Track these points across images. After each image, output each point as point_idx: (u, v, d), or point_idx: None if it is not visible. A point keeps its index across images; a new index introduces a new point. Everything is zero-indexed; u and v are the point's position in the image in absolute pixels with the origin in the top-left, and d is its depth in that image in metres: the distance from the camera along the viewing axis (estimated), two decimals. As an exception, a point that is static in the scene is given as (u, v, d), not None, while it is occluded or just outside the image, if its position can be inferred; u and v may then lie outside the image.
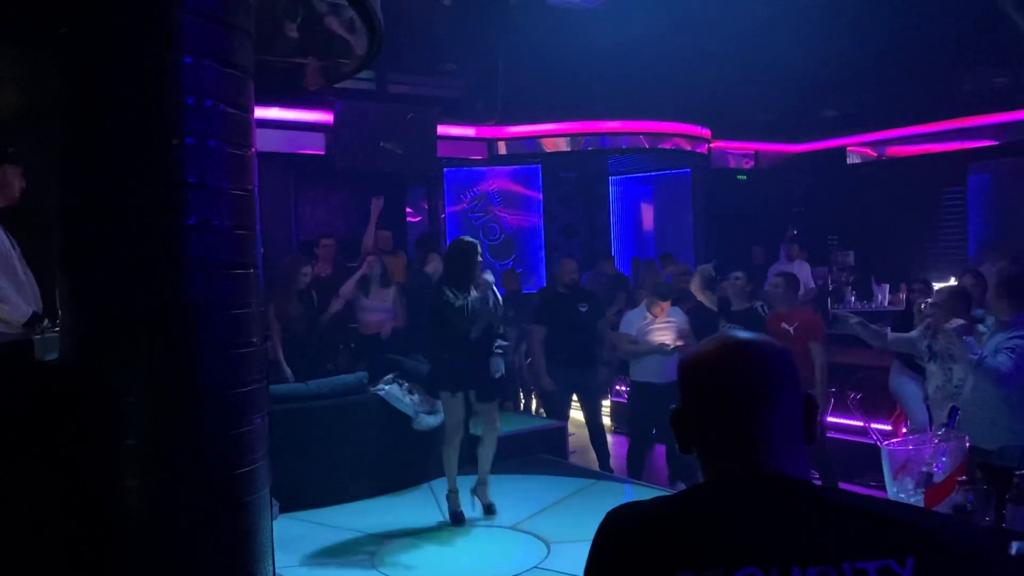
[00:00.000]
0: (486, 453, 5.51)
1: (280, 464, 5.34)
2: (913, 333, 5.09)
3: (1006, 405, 3.94)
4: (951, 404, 3.99)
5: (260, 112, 9.24)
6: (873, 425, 6.61)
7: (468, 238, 5.60)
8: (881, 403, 6.91)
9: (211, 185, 2.63)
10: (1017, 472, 2.57)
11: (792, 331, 5.81)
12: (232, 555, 2.66)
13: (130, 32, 2.53)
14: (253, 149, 2.85)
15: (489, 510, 5.50)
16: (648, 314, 6.60)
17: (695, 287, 6.73)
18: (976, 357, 3.95)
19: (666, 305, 6.60)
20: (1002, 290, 4.08)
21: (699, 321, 6.53)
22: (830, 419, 7.18)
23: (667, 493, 1.13)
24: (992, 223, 10.56)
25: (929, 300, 5.29)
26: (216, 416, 2.63)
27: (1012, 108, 10.04)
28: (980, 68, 10.56)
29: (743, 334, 1.38)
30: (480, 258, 5.41)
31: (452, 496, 5.46)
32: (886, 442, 2.94)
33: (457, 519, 5.39)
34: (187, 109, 2.57)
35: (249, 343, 2.75)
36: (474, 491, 5.55)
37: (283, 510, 5.52)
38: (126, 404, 2.52)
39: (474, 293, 5.27)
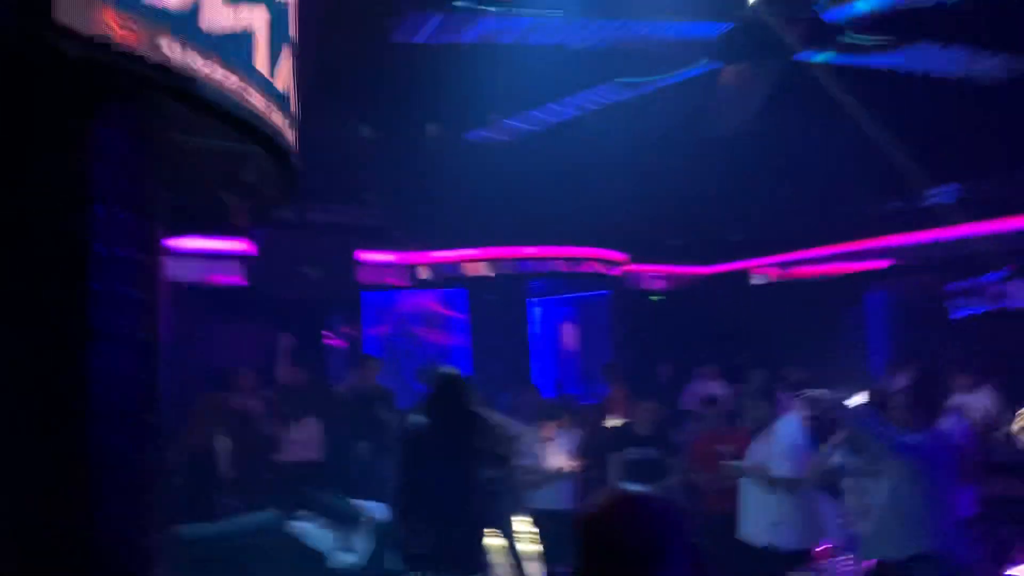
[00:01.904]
0: None
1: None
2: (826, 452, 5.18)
3: (922, 505, 3.97)
4: (867, 520, 4.09)
5: (181, 242, 9.06)
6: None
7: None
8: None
9: (118, 333, 2.61)
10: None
11: (726, 452, 5.82)
12: None
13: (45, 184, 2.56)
14: (161, 295, 2.86)
15: None
16: (540, 438, 6.64)
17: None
18: (887, 439, 4.00)
19: (554, 425, 6.65)
20: (915, 397, 4.21)
21: (601, 443, 6.68)
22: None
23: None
24: (892, 340, 11.07)
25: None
26: (118, 569, 2.53)
27: (907, 230, 10.73)
28: (871, 195, 11.31)
29: (631, 489, 1.45)
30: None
31: None
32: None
33: None
34: (97, 257, 2.58)
35: (153, 492, 2.68)
36: None
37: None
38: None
39: None
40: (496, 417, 5.00)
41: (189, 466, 6.32)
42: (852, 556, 2.94)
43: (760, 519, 5.05)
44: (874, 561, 4.06)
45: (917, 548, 3.86)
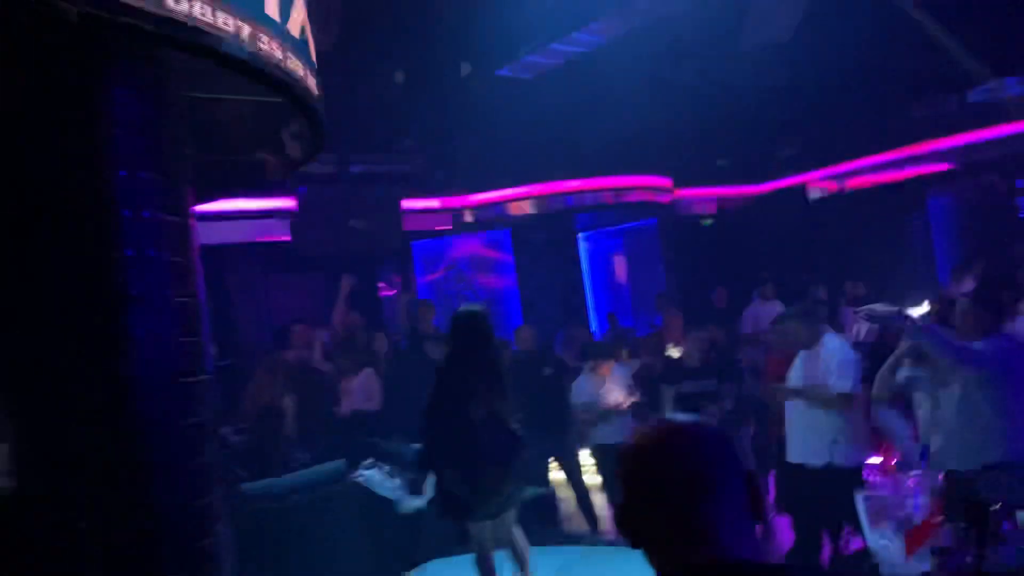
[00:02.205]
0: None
1: (266, 565, 5.25)
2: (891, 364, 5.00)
3: (992, 412, 3.83)
4: (938, 434, 3.95)
5: (224, 204, 9.20)
6: (867, 461, 6.57)
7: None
8: (866, 439, 6.85)
9: (155, 295, 2.60)
10: (993, 507, 2.53)
11: None
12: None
13: (65, 149, 2.53)
14: (194, 255, 2.83)
15: None
16: (595, 376, 6.61)
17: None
18: (951, 350, 3.85)
19: (610, 364, 6.62)
20: (978, 303, 4.03)
21: (655, 376, 6.60)
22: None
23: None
24: (959, 245, 10.67)
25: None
26: (175, 531, 2.55)
27: (962, 131, 10.25)
28: (928, 95, 10.80)
29: (680, 420, 1.36)
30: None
31: None
32: (861, 494, 2.89)
33: None
34: (124, 221, 2.56)
35: (204, 453, 2.69)
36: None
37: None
38: (80, 530, 2.44)
39: None
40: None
41: (257, 424, 6.46)
42: (922, 470, 2.84)
43: (815, 439, 4.94)
44: (944, 473, 3.93)
45: (988, 458, 3.71)
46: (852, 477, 4.70)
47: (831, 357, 5.00)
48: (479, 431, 4.36)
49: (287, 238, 9.60)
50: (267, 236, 9.54)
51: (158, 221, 2.63)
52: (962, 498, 2.74)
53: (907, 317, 4.00)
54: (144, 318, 2.55)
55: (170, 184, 2.72)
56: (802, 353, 5.19)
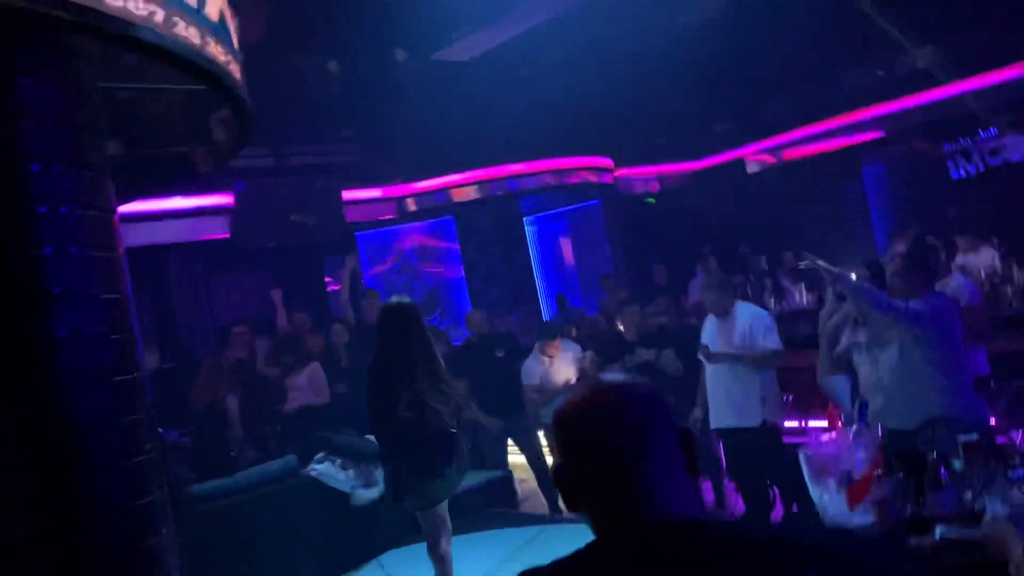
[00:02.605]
0: None
1: (220, 563, 5.16)
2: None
3: (932, 368, 3.93)
4: (878, 394, 4.03)
5: (162, 203, 9.03)
6: (810, 423, 6.72)
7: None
8: (813, 401, 7.00)
9: (79, 293, 2.51)
10: (931, 457, 2.60)
11: None
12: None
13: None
14: (120, 251, 2.74)
15: None
16: (543, 357, 6.65)
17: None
18: (886, 308, 3.94)
19: (557, 343, 6.66)
20: (904, 266, 4.11)
21: (606, 348, 6.68)
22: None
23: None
24: (895, 211, 10.92)
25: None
26: (115, 533, 2.48)
27: (891, 99, 10.48)
28: (859, 64, 11.01)
29: (612, 379, 1.36)
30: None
31: None
32: (801, 449, 2.94)
33: None
34: (41, 218, 2.46)
35: (142, 452, 2.62)
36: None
37: (228, 611, 5.29)
38: (12, 534, 2.36)
39: None
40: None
41: (202, 424, 6.36)
42: (862, 426, 2.90)
43: (747, 400, 5.11)
44: (885, 431, 4.01)
45: (926, 414, 3.80)
46: (781, 434, 4.93)
47: (748, 322, 5.19)
48: (408, 422, 4.39)
49: (226, 235, 9.41)
50: (206, 234, 9.35)
51: (78, 217, 2.54)
52: (901, 452, 2.80)
53: (844, 275, 4.08)
54: (68, 316, 2.46)
55: (89, 178, 2.62)
56: (716, 321, 5.36)
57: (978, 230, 8.61)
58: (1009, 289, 7.60)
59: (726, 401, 5.30)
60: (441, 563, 4.63)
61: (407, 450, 4.42)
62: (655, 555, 1.16)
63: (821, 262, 4.07)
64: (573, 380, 6.47)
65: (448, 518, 4.67)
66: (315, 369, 7.01)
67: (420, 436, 4.39)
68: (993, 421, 4.61)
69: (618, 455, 1.24)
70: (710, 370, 5.40)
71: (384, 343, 4.57)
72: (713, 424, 5.45)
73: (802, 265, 4.23)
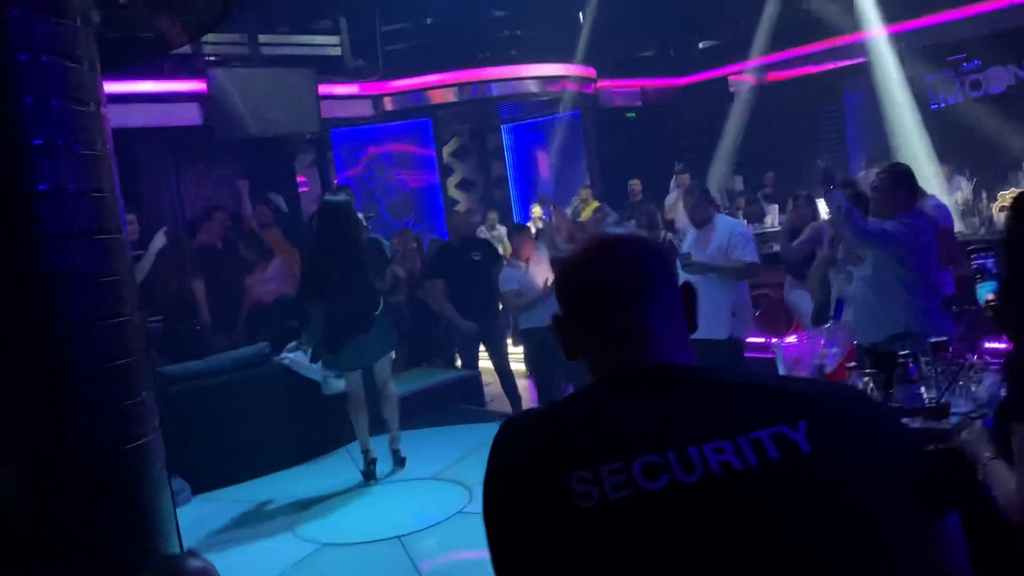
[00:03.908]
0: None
1: (189, 445, 5.22)
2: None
3: (903, 287, 4.02)
4: (848, 308, 4.12)
5: (132, 86, 8.76)
6: (774, 340, 6.86)
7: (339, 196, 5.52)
8: (779, 319, 7.14)
9: (61, 146, 2.45)
10: (901, 354, 2.67)
11: None
12: (131, 535, 2.55)
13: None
14: (103, 107, 2.66)
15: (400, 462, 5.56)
16: (520, 263, 6.66)
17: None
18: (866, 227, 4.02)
19: (531, 245, 6.74)
20: (888, 183, 4.17)
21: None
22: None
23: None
24: (873, 139, 10.94)
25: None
26: (94, 393, 2.48)
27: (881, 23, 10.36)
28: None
29: (616, 231, 1.36)
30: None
31: (365, 455, 5.44)
32: (777, 339, 3.01)
33: (368, 476, 5.37)
34: (22, 66, 2.37)
35: (121, 313, 2.60)
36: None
37: (197, 491, 5.38)
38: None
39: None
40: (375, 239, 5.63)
41: (171, 311, 6.31)
42: (835, 322, 2.97)
43: (716, 313, 5.18)
44: (855, 344, 4.12)
45: (895, 330, 3.90)
46: (743, 350, 5.05)
47: (727, 233, 5.23)
48: (339, 306, 5.14)
49: (198, 123, 9.17)
50: (177, 121, 9.09)
51: (59, 67, 2.45)
52: (872, 349, 2.87)
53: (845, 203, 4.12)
54: (49, 170, 2.40)
55: (71, 28, 2.52)
56: (695, 232, 5.40)
57: (953, 160, 8.71)
58: (977, 220, 7.74)
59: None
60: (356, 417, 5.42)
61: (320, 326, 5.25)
62: (652, 393, 1.17)
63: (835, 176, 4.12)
64: (547, 284, 6.48)
65: (358, 387, 5.42)
66: (280, 261, 6.97)
67: (351, 314, 5.16)
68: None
69: (621, 301, 1.24)
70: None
71: (324, 235, 5.22)
72: None
73: (820, 164, 4.27)
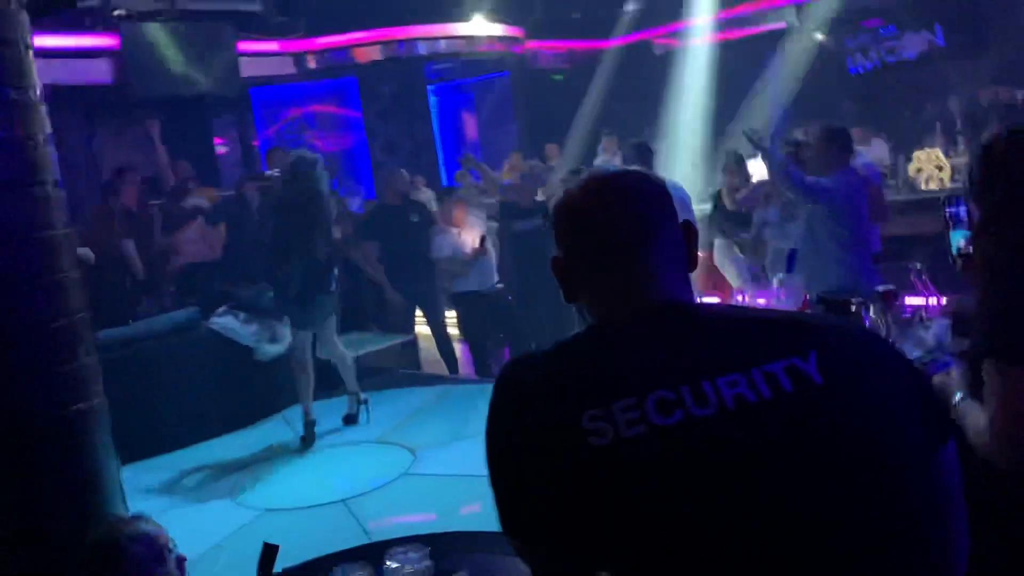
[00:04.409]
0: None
1: (120, 414, 5.01)
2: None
3: (836, 244, 4.13)
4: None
5: (38, 40, 8.39)
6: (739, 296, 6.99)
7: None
8: (706, 282, 7.25)
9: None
10: (853, 300, 2.75)
11: None
12: (78, 498, 2.43)
13: None
14: (30, 47, 2.48)
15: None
16: (451, 228, 6.59)
17: None
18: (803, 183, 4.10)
19: (462, 210, 6.68)
20: (823, 142, 4.27)
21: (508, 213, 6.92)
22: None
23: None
24: (794, 103, 11.17)
25: None
26: (34, 353, 2.35)
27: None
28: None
29: (612, 168, 1.33)
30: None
31: (305, 419, 5.39)
32: (731, 296, 3.06)
33: (309, 440, 5.33)
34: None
35: (60, 270, 2.45)
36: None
37: (130, 459, 5.18)
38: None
39: None
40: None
41: (99, 275, 6.03)
42: (790, 276, 3.05)
43: None
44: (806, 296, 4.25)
45: (828, 286, 4.01)
46: None
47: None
48: (307, 265, 5.21)
49: (109, 81, 8.71)
50: (87, 79, 8.61)
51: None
52: (824, 298, 2.95)
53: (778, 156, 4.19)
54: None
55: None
56: None
57: (870, 124, 8.98)
58: (898, 181, 8.04)
59: None
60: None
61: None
62: (662, 329, 1.15)
63: (764, 138, 4.17)
64: (483, 249, 6.44)
65: (305, 350, 5.44)
66: (200, 224, 6.74)
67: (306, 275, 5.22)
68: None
69: (627, 244, 1.22)
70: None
71: (295, 193, 5.18)
72: None
73: (746, 132, 4.30)
